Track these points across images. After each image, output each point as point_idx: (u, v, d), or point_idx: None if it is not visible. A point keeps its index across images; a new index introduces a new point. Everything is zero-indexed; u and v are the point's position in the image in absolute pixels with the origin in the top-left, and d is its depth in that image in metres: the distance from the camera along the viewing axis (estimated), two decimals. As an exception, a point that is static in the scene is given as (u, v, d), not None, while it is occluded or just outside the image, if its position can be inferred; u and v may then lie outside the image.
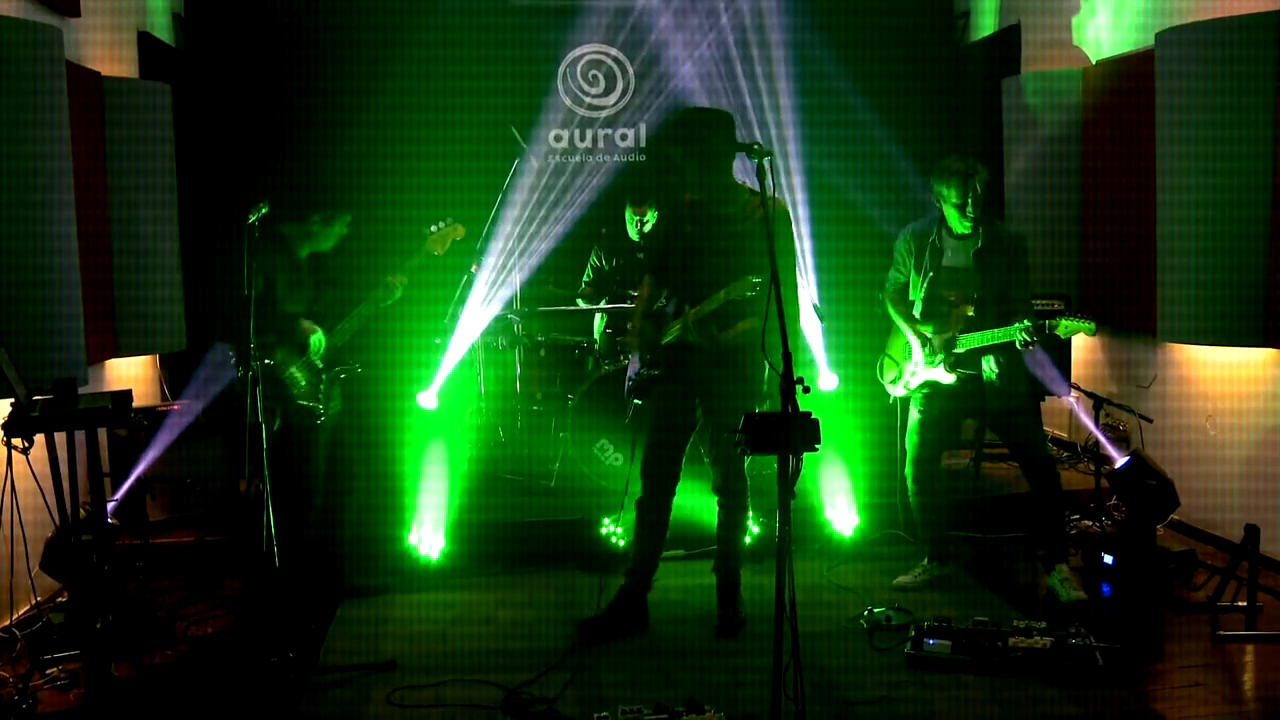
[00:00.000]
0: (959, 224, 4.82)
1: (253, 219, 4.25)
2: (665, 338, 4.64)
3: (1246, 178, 5.06)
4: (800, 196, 7.12)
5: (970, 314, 4.79)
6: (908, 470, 5.09)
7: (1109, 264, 6.33)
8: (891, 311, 5.10)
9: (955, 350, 4.83)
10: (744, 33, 7.35)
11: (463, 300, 6.17)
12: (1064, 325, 4.57)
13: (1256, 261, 5.07)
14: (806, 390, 3.23)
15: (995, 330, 4.71)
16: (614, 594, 4.69)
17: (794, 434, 3.16)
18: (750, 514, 4.90)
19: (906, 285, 5.04)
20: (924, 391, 4.99)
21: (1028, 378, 4.96)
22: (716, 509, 4.72)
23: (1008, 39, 7.38)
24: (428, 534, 5.35)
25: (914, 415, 5.05)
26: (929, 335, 4.90)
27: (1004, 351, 4.80)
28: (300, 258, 4.84)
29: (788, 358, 3.25)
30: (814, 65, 7.34)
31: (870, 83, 7.38)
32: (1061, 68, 6.77)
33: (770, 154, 3.62)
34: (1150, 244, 5.61)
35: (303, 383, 4.75)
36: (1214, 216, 5.17)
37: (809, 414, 3.22)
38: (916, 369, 4.98)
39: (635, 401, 4.92)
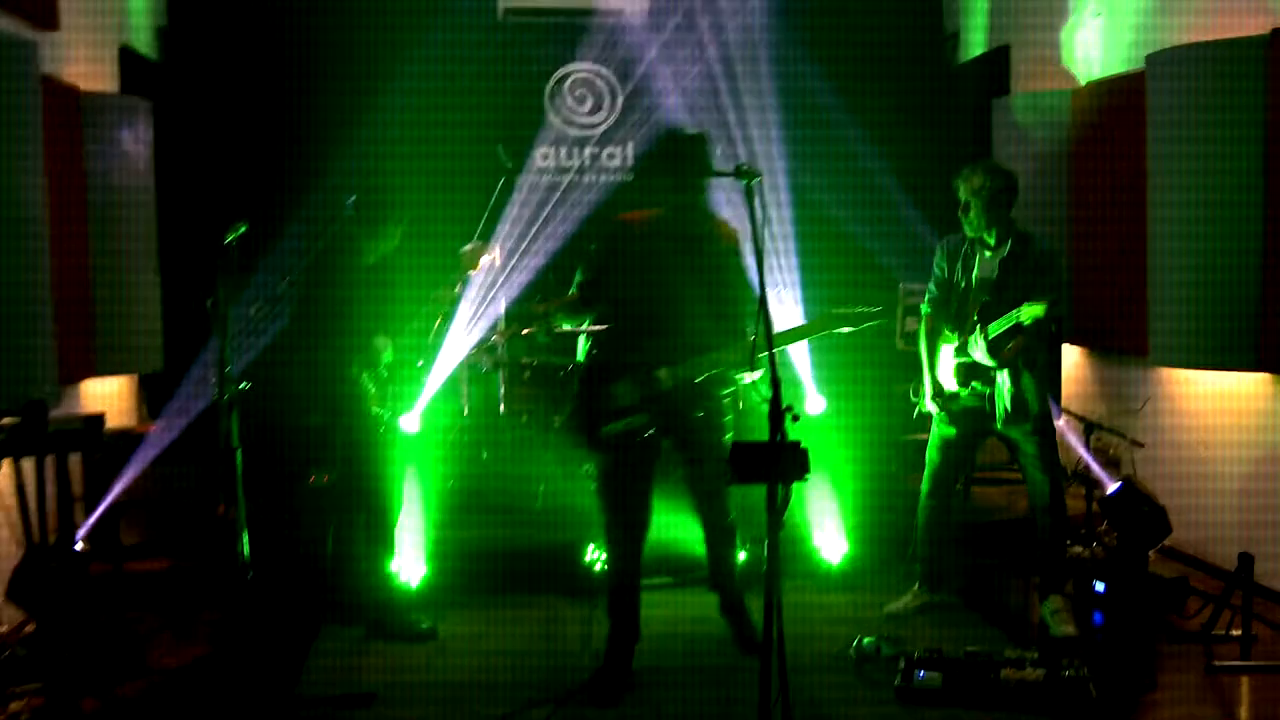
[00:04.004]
0: (967, 228, 4.77)
1: (230, 238, 4.15)
2: (651, 389, 4.26)
3: (1238, 196, 5.02)
4: (786, 214, 7.06)
5: (975, 319, 4.72)
6: (924, 486, 5.03)
7: (1099, 285, 6.26)
8: (921, 325, 5.07)
9: (961, 358, 4.79)
10: (733, 53, 7.31)
11: (447, 322, 6.07)
12: (1025, 310, 4.47)
13: (1248, 283, 5.02)
14: (796, 419, 3.15)
15: (997, 321, 4.61)
16: (602, 635, 4.49)
17: (783, 463, 3.07)
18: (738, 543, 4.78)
19: (942, 300, 4.97)
20: (946, 406, 4.93)
21: (1041, 396, 4.87)
22: (705, 544, 4.61)
23: (997, 59, 7.33)
24: (409, 560, 5.24)
25: (935, 432, 5.00)
26: (942, 343, 4.88)
27: (1021, 366, 4.71)
28: (369, 262, 4.78)
29: (776, 385, 3.17)
30: (802, 84, 7.29)
31: (859, 99, 7.34)
32: (1051, 88, 6.72)
33: (758, 175, 3.53)
34: (1141, 265, 5.56)
35: (374, 392, 4.73)
36: (1205, 235, 5.12)
37: (798, 443, 3.14)
38: (943, 378, 4.95)
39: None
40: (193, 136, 6.95)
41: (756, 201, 3.46)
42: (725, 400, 4.41)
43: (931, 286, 5.01)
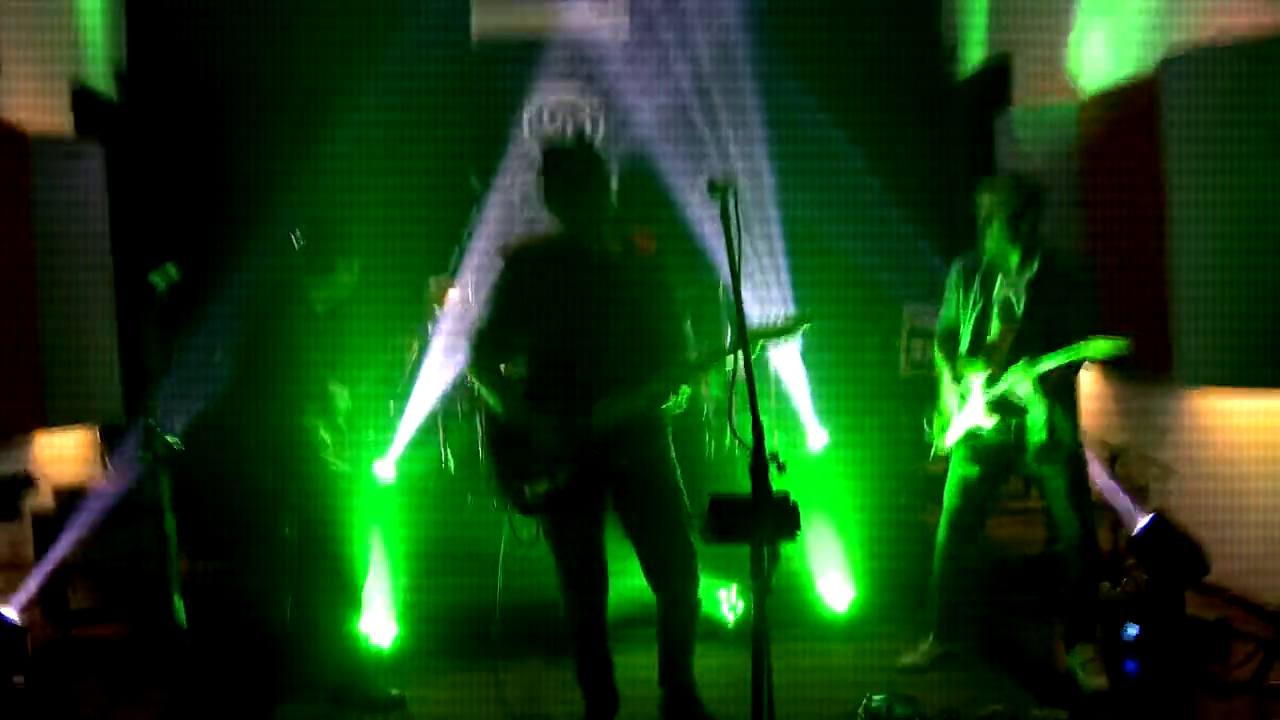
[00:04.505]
0: (990, 245, 4.35)
1: (162, 286, 3.80)
2: (574, 439, 3.72)
3: (1266, 198, 4.61)
4: (774, 231, 6.70)
5: (1008, 347, 4.30)
6: (941, 532, 4.58)
7: (1117, 305, 5.84)
8: (936, 354, 4.62)
9: (995, 390, 4.32)
10: (719, 70, 7.00)
11: (417, 363, 5.71)
12: (1094, 345, 4.06)
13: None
14: (782, 469, 2.74)
15: (1052, 354, 4.18)
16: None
17: (768, 520, 2.67)
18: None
19: (958, 326, 4.54)
20: (967, 443, 4.47)
21: (1075, 427, 4.46)
22: (659, 614, 3.95)
23: (997, 71, 7.00)
24: (378, 620, 4.84)
25: (954, 471, 4.55)
26: (963, 371, 4.41)
27: (1054, 396, 4.29)
28: (318, 311, 4.41)
29: (759, 430, 2.77)
30: (793, 100, 7.00)
31: (853, 116, 7.05)
32: (1055, 100, 6.37)
33: (731, 187, 3.13)
34: (1161, 281, 5.16)
35: (330, 444, 4.35)
36: (1233, 245, 4.72)
37: (786, 496, 2.73)
38: (958, 415, 4.47)
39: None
40: (151, 179, 6.62)
41: (733, 220, 3.08)
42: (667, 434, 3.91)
43: (947, 312, 4.59)
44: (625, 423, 3.70)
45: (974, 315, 4.42)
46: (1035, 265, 4.34)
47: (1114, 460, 5.12)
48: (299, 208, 5.63)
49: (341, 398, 4.38)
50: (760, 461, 2.71)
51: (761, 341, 3.69)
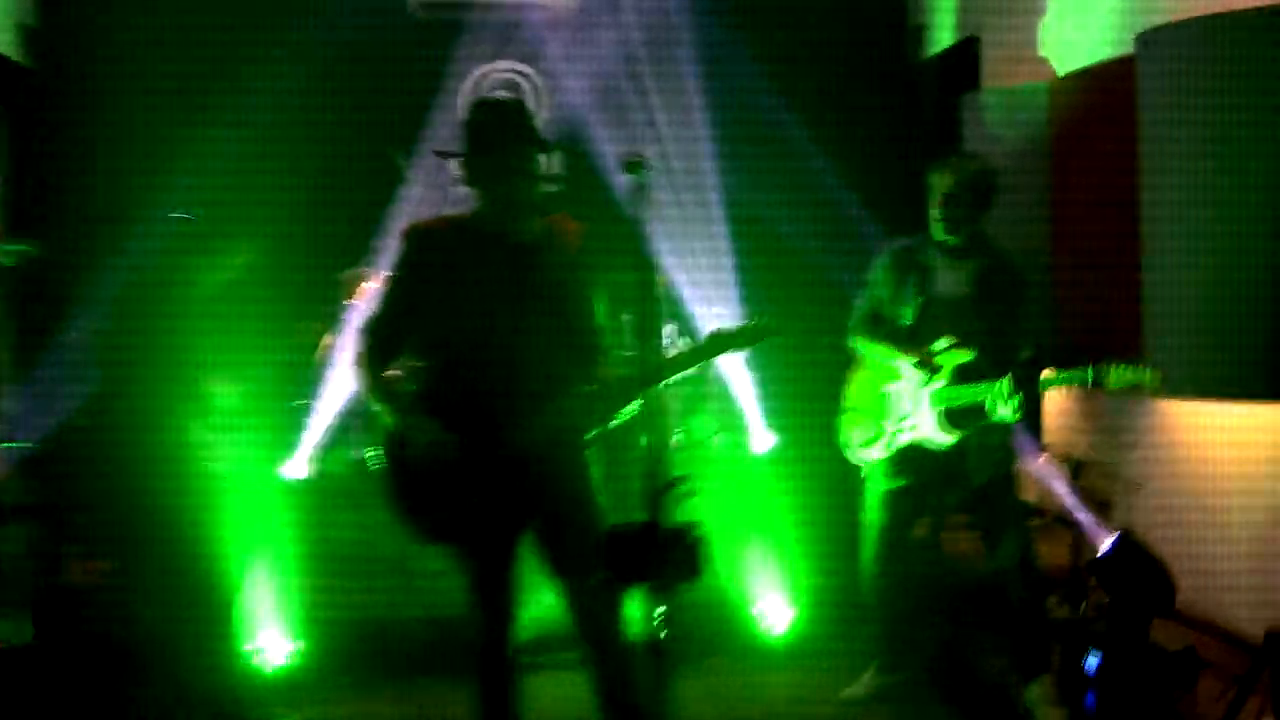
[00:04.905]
0: (937, 229, 3.97)
1: (9, 263, 3.36)
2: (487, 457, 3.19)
3: (1248, 196, 4.23)
4: (720, 230, 6.29)
5: (965, 356, 3.90)
6: (867, 555, 4.18)
7: (1085, 301, 5.52)
8: (864, 343, 4.13)
9: (947, 404, 3.93)
10: (666, 47, 6.59)
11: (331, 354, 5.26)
12: (1115, 375, 3.66)
13: (1262, 298, 4.21)
14: (691, 495, 2.32)
15: (983, 386, 3.81)
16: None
17: (662, 561, 2.25)
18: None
19: (878, 316, 4.13)
20: (904, 456, 4.06)
21: (1010, 442, 4.09)
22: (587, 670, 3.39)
23: (966, 52, 6.62)
24: (271, 637, 4.41)
25: (877, 484, 4.14)
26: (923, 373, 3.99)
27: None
28: (204, 295, 4.00)
29: (658, 452, 2.35)
30: (747, 84, 6.55)
31: (812, 99, 6.62)
32: (1026, 82, 6.02)
33: (646, 165, 2.73)
34: (1134, 279, 4.77)
35: (207, 444, 4.08)
36: (1211, 241, 4.32)
37: (688, 529, 2.31)
38: (911, 421, 4.03)
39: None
40: (55, 149, 6.11)
41: (644, 202, 2.67)
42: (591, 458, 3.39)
43: (865, 304, 4.18)
44: (544, 441, 3.20)
45: (914, 311, 4.02)
46: (984, 259, 3.96)
47: (1076, 473, 4.75)
48: (194, 188, 5.14)
49: (224, 394, 3.97)
50: (658, 485, 2.28)
51: (732, 349, 3.32)
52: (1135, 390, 3.70)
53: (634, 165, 2.75)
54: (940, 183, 3.96)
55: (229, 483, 4.05)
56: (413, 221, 3.40)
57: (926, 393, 3.95)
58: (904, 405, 4.03)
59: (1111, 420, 5.45)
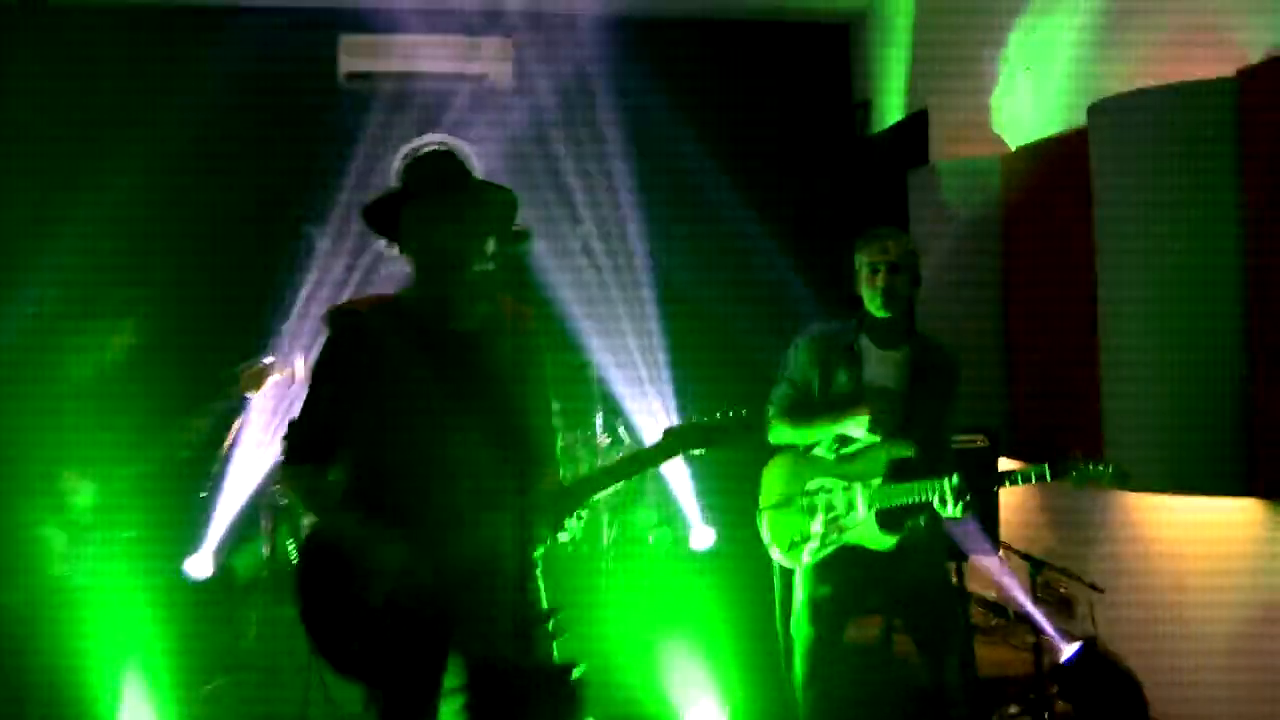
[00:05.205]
0: (874, 304, 3.63)
1: None
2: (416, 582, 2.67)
3: (1209, 275, 3.95)
4: (651, 310, 5.97)
5: (903, 451, 3.55)
6: (798, 666, 3.73)
7: (1041, 384, 5.19)
8: (790, 428, 3.72)
9: (884, 504, 3.56)
10: (597, 127, 6.36)
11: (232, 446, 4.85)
12: (1076, 474, 3.33)
13: (1229, 380, 3.92)
14: (558, 631, 1.92)
15: (925, 483, 3.47)
16: None
17: (538, 707, 1.85)
18: None
19: (804, 406, 3.75)
20: (835, 558, 3.66)
21: (947, 543, 3.74)
22: None
23: (914, 127, 6.42)
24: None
25: (807, 590, 3.71)
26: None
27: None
28: (73, 376, 3.63)
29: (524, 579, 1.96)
30: (686, 163, 6.33)
31: (755, 178, 6.47)
32: (977, 156, 5.73)
33: (530, 236, 2.43)
34: (1093, 360, 4.47)
35: (58, 546, 3.53)
36: (1172, 324, 4.03)
37: (568, 670, 1.91)
38: (843, 521, 3.64)
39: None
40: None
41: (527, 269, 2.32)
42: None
43: (786, 390, 3.80)
44: (490, 552, 2.65)
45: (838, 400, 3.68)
46: (915, 344, 3.68)
47: (1036, 571, 4.38)
48: (66, 267, 4.70)
49: (81, 492, 3.54)
50: (526, 616, 1.89)
51: (693, 447, 2.84)
52: (1096, 485, 3.36)
53: (520, 235, 2.42)
54: (877, 255, 3.65)
55: (95, 593, 3.60)
56: (338, 304, 2.92)
57: (860, 490, 3.60)
58: (835, 503, 3.66)
59: (1072, 515, 5.09)
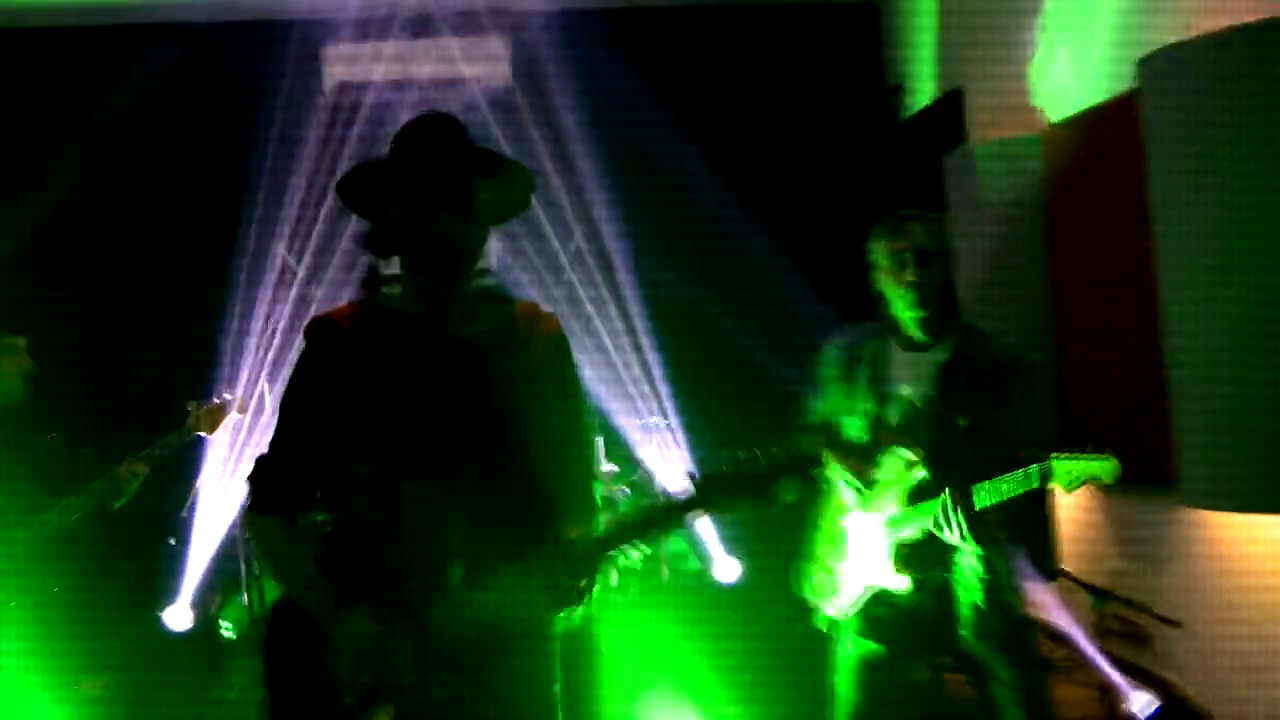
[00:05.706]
0: (904, 304, 3.06)
1: None
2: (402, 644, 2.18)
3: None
4: (644, 327, 5.52)
5: (921, 476, 3.00)
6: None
7: (1099, 384, 4.62)
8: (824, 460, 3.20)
9: (899, 536, 3.02)
10: (603, 128, 6.04)
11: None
12: (1061, 467, 2.76)
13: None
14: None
15: (988, 482, 2.87)
16: None
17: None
18: None
19: (830, 427, 3.23)
20: (868, 610, 3.12)
21: (1021, 589, 3.14)
22: None
23: (949, 108, 5.95)
24: None
25: (844, 650, 3.19)
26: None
27: (996, 541, 2.97)
28: None
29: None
30: (706, 163, 6.01)
31: (776, 173, 6.17)
32: (1016, 134, 5.26)
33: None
34: (1156, 360, 3.86)
35: None
36: (1249, 315, 3.39)
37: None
38: (858, 566, 3.11)
39: None
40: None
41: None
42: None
43: (822, 403, 3.28)
44: (492, 628, 2.20)
45: (864, 416, 3.13)
46: (954, 342, 3.07)
47: (1100, 604, 3.79)
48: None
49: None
50: None
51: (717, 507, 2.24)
52: (1093, 483, 2.76)
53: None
54: (902, 243, 3.08)
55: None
56: (319, 314, 2.40)
57: (880, 525, 3.04)
58: (857, 544, 3.11)
59: (1140, 531, 4.48)
